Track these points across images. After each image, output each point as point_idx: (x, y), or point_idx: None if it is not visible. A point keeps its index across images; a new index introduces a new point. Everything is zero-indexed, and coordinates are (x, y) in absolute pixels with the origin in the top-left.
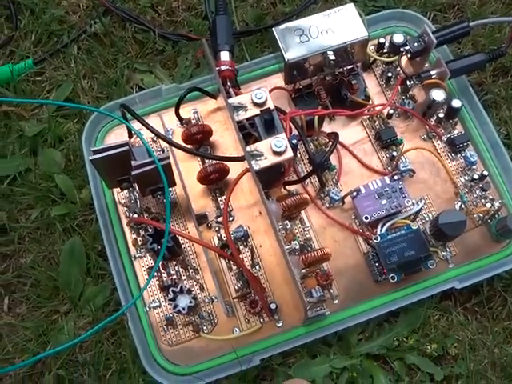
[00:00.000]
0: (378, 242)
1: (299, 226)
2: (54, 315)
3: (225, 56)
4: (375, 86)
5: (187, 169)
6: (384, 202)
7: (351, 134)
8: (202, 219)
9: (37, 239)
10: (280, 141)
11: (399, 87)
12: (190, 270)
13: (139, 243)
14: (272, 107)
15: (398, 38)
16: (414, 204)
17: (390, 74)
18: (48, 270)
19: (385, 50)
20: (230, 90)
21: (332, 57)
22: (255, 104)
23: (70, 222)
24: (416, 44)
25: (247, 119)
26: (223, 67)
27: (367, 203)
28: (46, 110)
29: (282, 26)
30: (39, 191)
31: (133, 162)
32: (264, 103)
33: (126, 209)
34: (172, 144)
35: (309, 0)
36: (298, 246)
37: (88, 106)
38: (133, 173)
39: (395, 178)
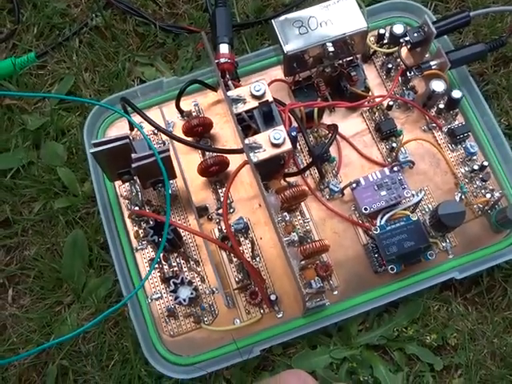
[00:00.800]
0: (378, 234)
1: (299, 217)
2: (57, 306)
3: (224, 48)
4: (375, 77)
5: (188, 161)
6: (383, 193)
7: (351, 125)
8: (202, 211)
9: (40, 232)
10: (278, 133)
11: (399, 78)
12: (191, 262)
13: (140, 235)
14: (271, 99)
15: (398, 29)
16: (413, 195)
17: (390, 65)
18: (51, 262)
19: (385, 41)
20: (230, 82)
21: (331, 48)
22: (254, 96)
23: (73, 215)
24: (416, 35)
25: (246, 112)
26: (222, 60)
27: (367, 194)
28: (48, 103)
29: (281, 18)
30: (42, 184)
31: (133, 155)
32: (263, 95)
33: (127, 201)
34: (172, 137)
35: None
36: (296, 238)
37: (89, 100)
38: (133, 165)
39: (395, 169)
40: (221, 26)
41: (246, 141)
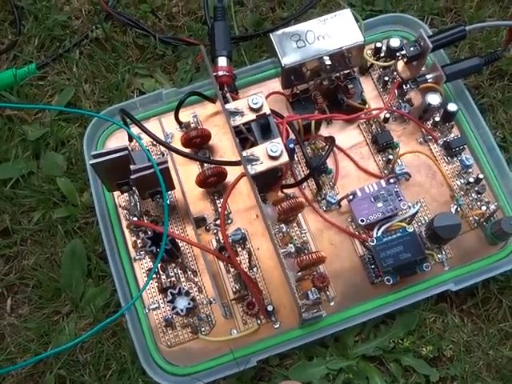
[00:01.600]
0: (374, 245)
1: (296, 228)
2: (55, 316)
3: (222, 62)
4: (372, 89)
5: (186, 172)
6: (380, 205)
7: (348, 137)
8: (200, 222)
9: (39, 241)
10: (276, 145)
11: (396, 91)
12: (189, 272)
13: (139, 245)
14: (268, 112)
15: (395, 43)
16: (409, 207)
17: (386, 78)
18: (50, 271)
19: (382, 55)
20: (228, 94)
21: (328, 62)
22: (251, 109)
23: (72, 225)
24: (412, 48)
25: (244, 124)
26: (221, 73)
27: (363, 206)
28: (48, 114)
29: (279, 32)
30: (41, 194)
31: (131, 166)
32: (260, 108)
33: (125, 212)
34: (170, 148)
35: (307, 5)
36: (293, 249)
37: (89, 111)
38: (132, 177)
39: (391, 181)
40: (219, 40)
41: (244, 153)
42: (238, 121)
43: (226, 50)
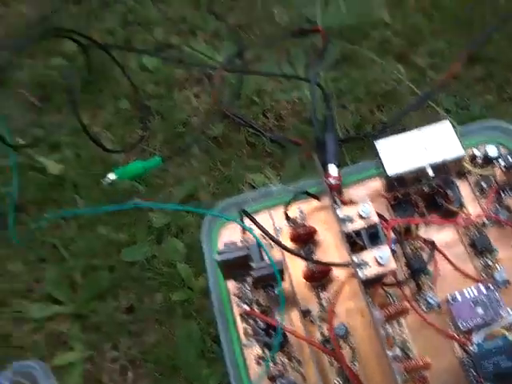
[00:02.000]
0: (475, 353)
1: (396, 326)
2: None
3: (333, 170)
4: (469, 193)
5: (293, 264)
6: (480, 310)
7: (446, 238)
8: (305, 314)
9: (159, 320)
10: (384, 252)
11: (493, 196)
12: (295, 362)
13: (249, 333)
14: (377, 221)
15: (492, 152)
16: (510, 314)
17: (483, 184)
18: (168, 350)
19: (478, 161)
20: (336, 199)
21: (431, 173)
22: (360, 217)
23: (188, 307)
24: (510, 158)
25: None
26: (333, 181)
27: (463, 310)
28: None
29: (383, 140)
30: (163, 277)
31: (253, 265)
32: (368, 216)
33: (237, 299)
34: (283, 247)
35: (405, 111)
36: (399, 352)
37: (205, 210)
38: (253, 274)
39: (490, 286)
40: (330, 150)
41: (355, 258)
42: (349, 227)
43: (337, 159)
